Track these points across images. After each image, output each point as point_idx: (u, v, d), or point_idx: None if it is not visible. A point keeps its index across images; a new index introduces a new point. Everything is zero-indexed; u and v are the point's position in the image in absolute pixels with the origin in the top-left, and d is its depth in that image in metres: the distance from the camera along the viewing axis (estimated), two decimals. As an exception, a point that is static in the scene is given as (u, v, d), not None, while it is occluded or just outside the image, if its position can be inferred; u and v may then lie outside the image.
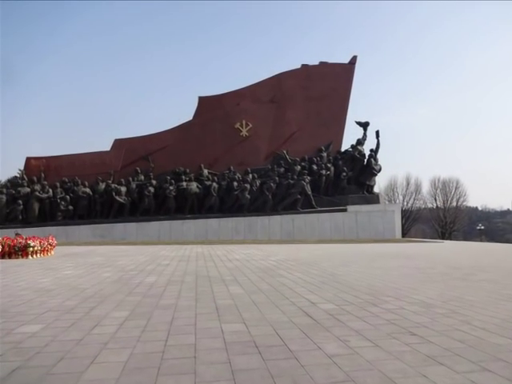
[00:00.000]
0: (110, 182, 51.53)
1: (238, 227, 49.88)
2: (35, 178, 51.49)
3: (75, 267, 18.98)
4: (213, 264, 20.25)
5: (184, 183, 51.00)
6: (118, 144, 53.75)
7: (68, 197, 50.36)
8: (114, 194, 49.89)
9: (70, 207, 50.01)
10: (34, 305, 10.10)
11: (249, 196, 50.03)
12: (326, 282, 13.80)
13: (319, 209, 50.49)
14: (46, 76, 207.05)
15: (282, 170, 52.55)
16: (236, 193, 50.08)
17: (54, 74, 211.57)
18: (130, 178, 51.38)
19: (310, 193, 50.63)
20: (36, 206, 49.94)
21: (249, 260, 22.52)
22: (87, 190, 50.99)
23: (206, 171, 52.56)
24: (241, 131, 54.38)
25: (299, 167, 52.27)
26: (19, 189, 50.16)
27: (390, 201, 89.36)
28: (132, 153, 52.78)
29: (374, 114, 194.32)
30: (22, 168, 53.19)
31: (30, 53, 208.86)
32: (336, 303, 10.07)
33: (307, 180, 50.83)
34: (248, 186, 50.36)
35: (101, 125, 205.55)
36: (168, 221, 49.76)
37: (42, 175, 52.23)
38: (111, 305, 10.01)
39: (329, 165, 52.84)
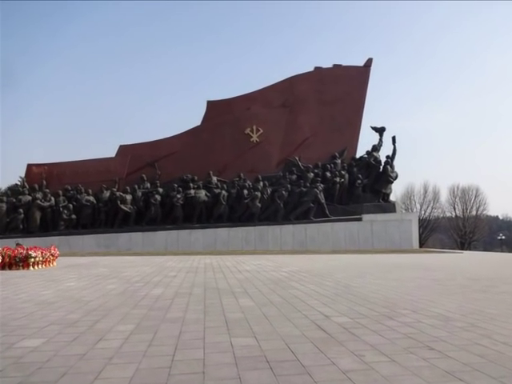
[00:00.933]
0: (114, 189, 51.42)
1: (248, 237, 49.77)
2: (37, 186, 51.50)
3: (78, 279, 19.01)
4: (222, 275, 20.27)
5: (192, 191, 50.87)
6: (123, 150, 53.89)
7: (71, 205, 50.36)
8: (118, 202, 49.86)
9: (73, 216, 50.02)
10: (36, 318, 10.11)
11: (259, 204, 49.97)
12: (340, 294, 13.78)
13: (333, 218, 50.26)
14: (48, 79, 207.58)
15: (294, 177, 52.37)
16: (246, 201, 50.08)
17: (57, 77, 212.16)
18: (136, 186, 51.37)
19: (323, 201, 50.48)
20: (37, 214, 49.99)
21: (259, 271, 22.53)
22: (91, 198, 50.99)
23: (214, 178, 52.48)
24: (251, 137, 54.36)
25: (312, 174, 52.07)
26: (20, 197, 50.30)
27: (406, 209, 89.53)
28: (138, 159, 52.79)
29: (390, 118, 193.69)
30: (23, 175, 53.34)
31: (31, 55, 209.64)
32: (350, 316, 10.04)
33: (320, 188, 50.63)
34: (259, 194, 50.31)
35: (105, 130, 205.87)
36: (175, 230, 49.67)
37: (44, 183, 52.28)
38: (116, 318, 10.01)
39: (343, 172, 52.67)
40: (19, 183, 53.07)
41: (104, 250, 47.21)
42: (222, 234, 49.65)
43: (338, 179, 51.74)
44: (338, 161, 53.32)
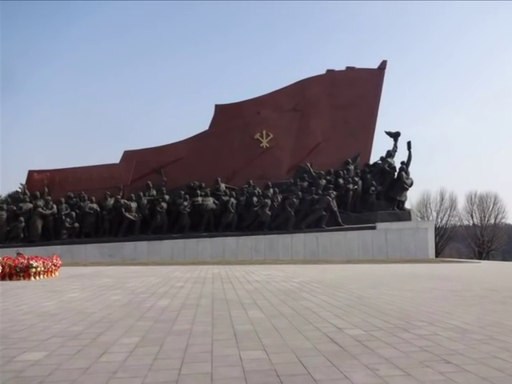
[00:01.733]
0: (119, 197, 51.44)
1: (257, 246, 49.83)
2: (38, 193, 51.58)
3: (81, 289, 19.10)
4: (231, 286, 20.32)
5: (199, 198, 50.89)
6: (128, 156, 53.97)
7: (74, 213, 50.40)
8: (123, 210, 49.93)
9: (76, 224, 50.07)
10: (37, 330, 10.16)
11: (269, 212, 50.04)
12: (354, 305, 13.80)
13: (346, 226, 50.36)
14: (49, 82, 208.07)
15: (306, 184, 52.35)
16: (256, 209, 50.13)
17: (59, 80, 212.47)
18: (141, 193, 51.45)
19: (335, 209, 50.48)
20: (39, 223, 50.04)
21: (269, 282, 22.57)
22: (94, 205, 51.00)
23: (223, 185, 52.53)
24: (261, 142, 54.42)
25: (324, 181, 52.12)
26: (21, 205, 50.38)
27: (422, 218, 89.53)
28: (143, 165, 52.89)
29: (405, 123, 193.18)
30: (24, 182, 53.41)
31: (32, 57, 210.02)
32: (364, 328, 10.05)
33: (333, 195, 50.62)
34: (269, 201, 50.35)
35: (109, 135, 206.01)
36: (182, 239, 49.77)
37: (46, 190, 52.36)
38: (120, 330, 10.06)
39: (356, 178, 52.72)
40: (20, 190, 53.14)
41: (108, 259, 47.36)
42: (231, 243, 49.73)
43: (351, 186, 51.81)
44: (351, 167, 53.38)
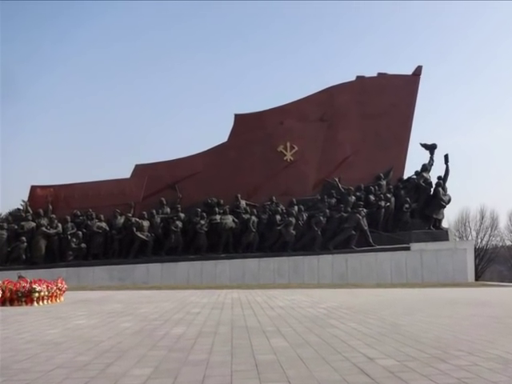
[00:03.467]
0: (129, 215, 51.45)
1: (281, 269, 49.62)
2: (41, 211, 51.69)
3: (89, 316, 19.21)
4: (251, 312, 20.36)
5: (217, 217, 50.76)
6: (140, 170, 54.17)
7: (80, 233, 50.46)
8: (134, 229, 49.95)
9: (83, 245, 50.11)
10: (40, 360, 10.21)
11: (294, 232, 49.89)
12: (386, 333, 13.79)
13: (377, 247, 50.22)
14: (53, 89, 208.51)
15: (334, 200, 52.22)
16: (279, 228, 50.05)
17: (64, 88, 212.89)
18: (154, 211, 51.42)
19: (366, 228, 50.43)
20: (42, 243, 50.09)
21: (294, 307, 22.58)
22: (103, 224, 51.01)
23: (243, 202, 52.51)
24: (284, 155, 54.31)
25: (353, 198, 52.01)
26: (23, 223, 50.56)
27: (461, 237, 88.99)
28: (156, 181, 53.03)
29: (443, 134, 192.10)
30: (26, 199, 53.73)
31: (34, 62, 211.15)
32: (397, 359, 10.02)
33: (363, 213, 50.49)
34: (293, 219, 50.21)
35: (119, 147, 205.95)
36: (199, 261, 49.77)
37: (50, 207, 52.53)
38: (131, 360, 10.08)
39: (389, 195, 52.50)
40: (22, 208, 53.48)
41: (118, 283, 47.30)
42: (252, 265, 49.68)
43: (382, 203, 51.73)
44: (383, 182, 53.38)
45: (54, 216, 51.40)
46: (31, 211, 51.96)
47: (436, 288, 40.49)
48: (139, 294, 35.22)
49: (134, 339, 12.96)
